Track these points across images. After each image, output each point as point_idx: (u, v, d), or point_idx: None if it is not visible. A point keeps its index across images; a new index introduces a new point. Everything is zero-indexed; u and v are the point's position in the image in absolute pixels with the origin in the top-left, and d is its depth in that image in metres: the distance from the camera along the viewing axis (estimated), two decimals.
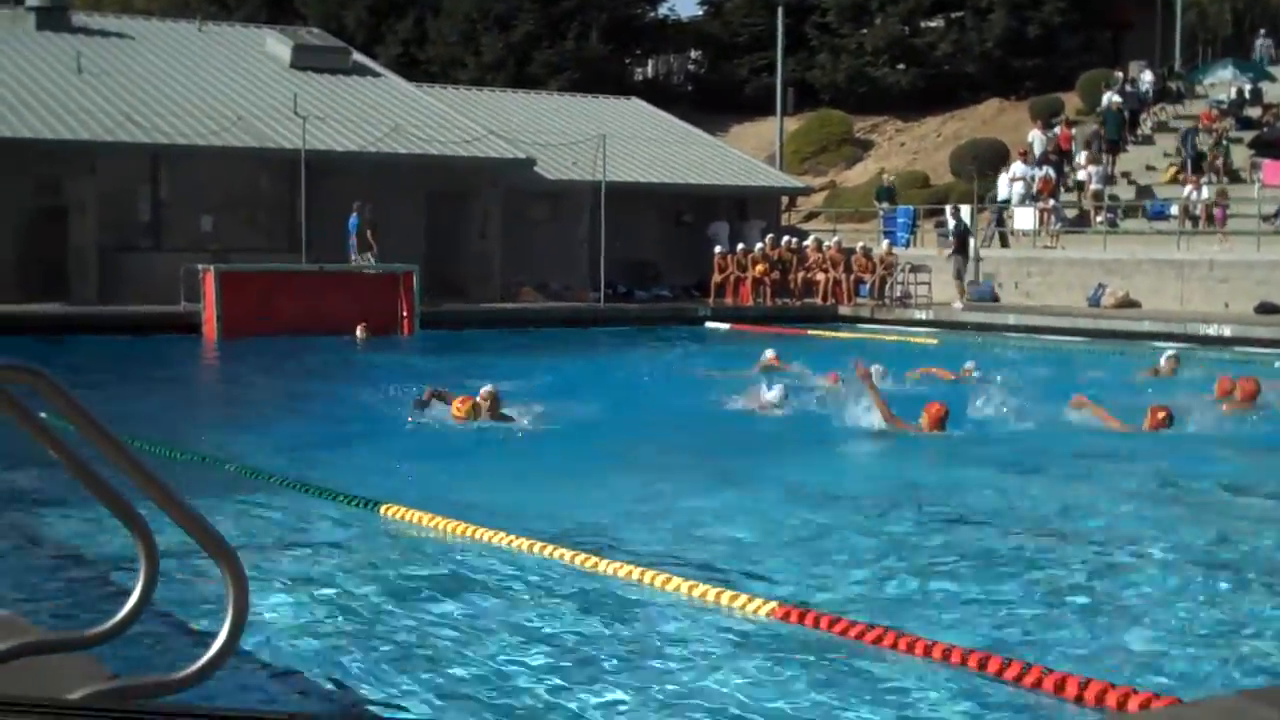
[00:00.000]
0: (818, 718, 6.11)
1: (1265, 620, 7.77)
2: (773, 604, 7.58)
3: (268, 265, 28.95)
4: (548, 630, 7.47)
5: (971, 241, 34.69)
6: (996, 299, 34.98)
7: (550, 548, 9.00)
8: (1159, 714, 5.21)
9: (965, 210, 37.74)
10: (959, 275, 33.70)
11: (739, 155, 42.79)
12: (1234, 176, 37.55)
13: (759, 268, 34.52)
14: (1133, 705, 5.74)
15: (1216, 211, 35.22)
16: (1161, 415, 14.34)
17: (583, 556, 8.73)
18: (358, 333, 26.68)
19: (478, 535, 9.45)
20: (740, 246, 35.31)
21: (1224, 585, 8.58)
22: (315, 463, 12.75)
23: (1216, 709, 4.84)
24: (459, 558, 9.12)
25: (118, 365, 22.41)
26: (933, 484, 12.01)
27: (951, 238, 34.44)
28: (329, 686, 6.58)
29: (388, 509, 10.30)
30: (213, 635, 3.93)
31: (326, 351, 24.16)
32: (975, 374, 19.54)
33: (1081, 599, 8.18)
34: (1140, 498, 11.54)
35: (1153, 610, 7.94)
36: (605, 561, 8.61)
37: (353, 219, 30.88)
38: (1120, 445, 13.92)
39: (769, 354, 21.09)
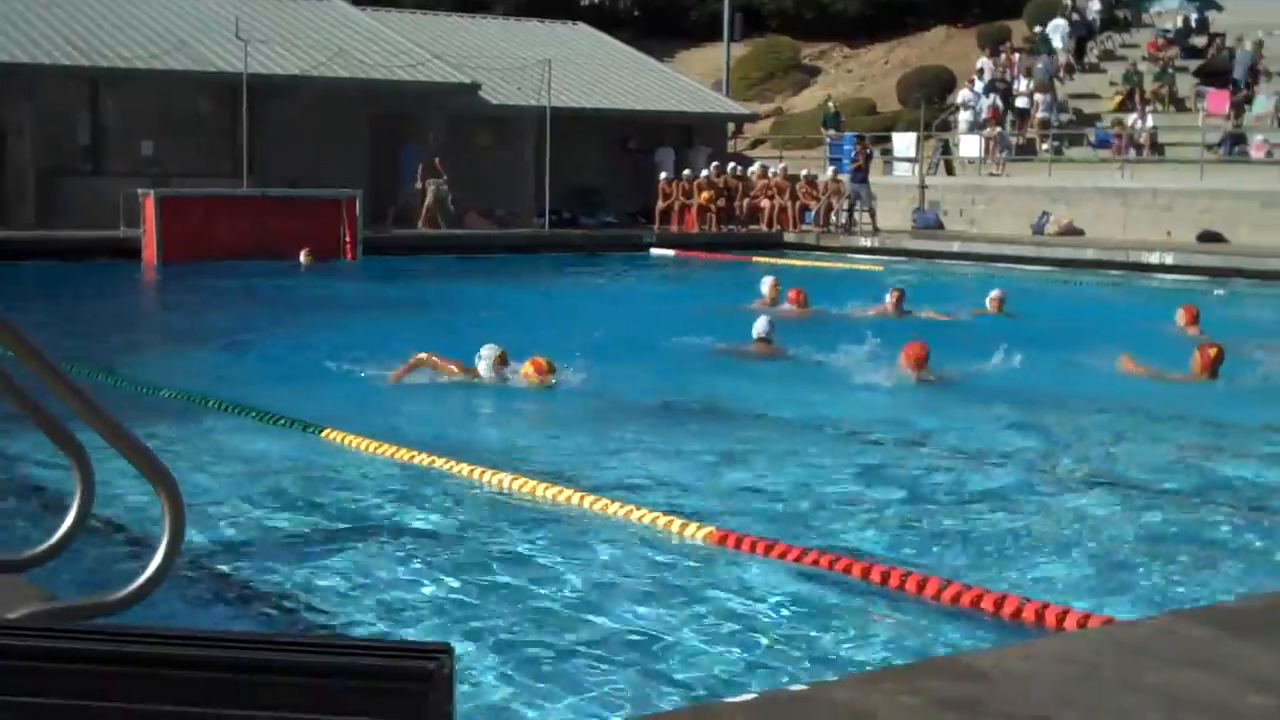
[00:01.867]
0: (779, 641, 6.14)
1: (1194, 543, 7.84)
2: (710, 529, 7.61)
3: (209, 190, 28.65)
4: (496, 552, 7.48)
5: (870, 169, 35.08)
6: (941, 226, 35.05)
7: (499, 475, 8.99)
8: (1095, 632, 5.26)
9: (905, 139, 37.85)
10: (854, 201, 33.93)
11: (685, 81, 42.57)
12: (1179, 105, 37.67)
13: (704, 194, 34.43)
14: (1070, 623, 5.79)
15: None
16: (1213, 353, 13.80)
17: (530, 484, 8.74)
18: (301, 258, 26.51)
19: (422, 461, 9.44)
20: (686, 173, 35.19)
21: (1165, 511, 8.67)
22: (253, 387, 12.67)
23: (1150, 627, 4.90)
24: (404, 483, 9.10)
25: (55, 290, 22.20)
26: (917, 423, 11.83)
27: (850, 165, 34.67)
28: (268, 607, 6.57)
29: (328, 432, 10.27)
30: (150, 557, 3.90)
31: (269, 276, 23.98)
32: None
33: (1021, 525, 8.24)
34: (1085, 429, 11.60)
35: (1089, 535, 8.01)
36: (549, 487, 8.62)
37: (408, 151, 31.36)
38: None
39: (768, 283, 20.15)
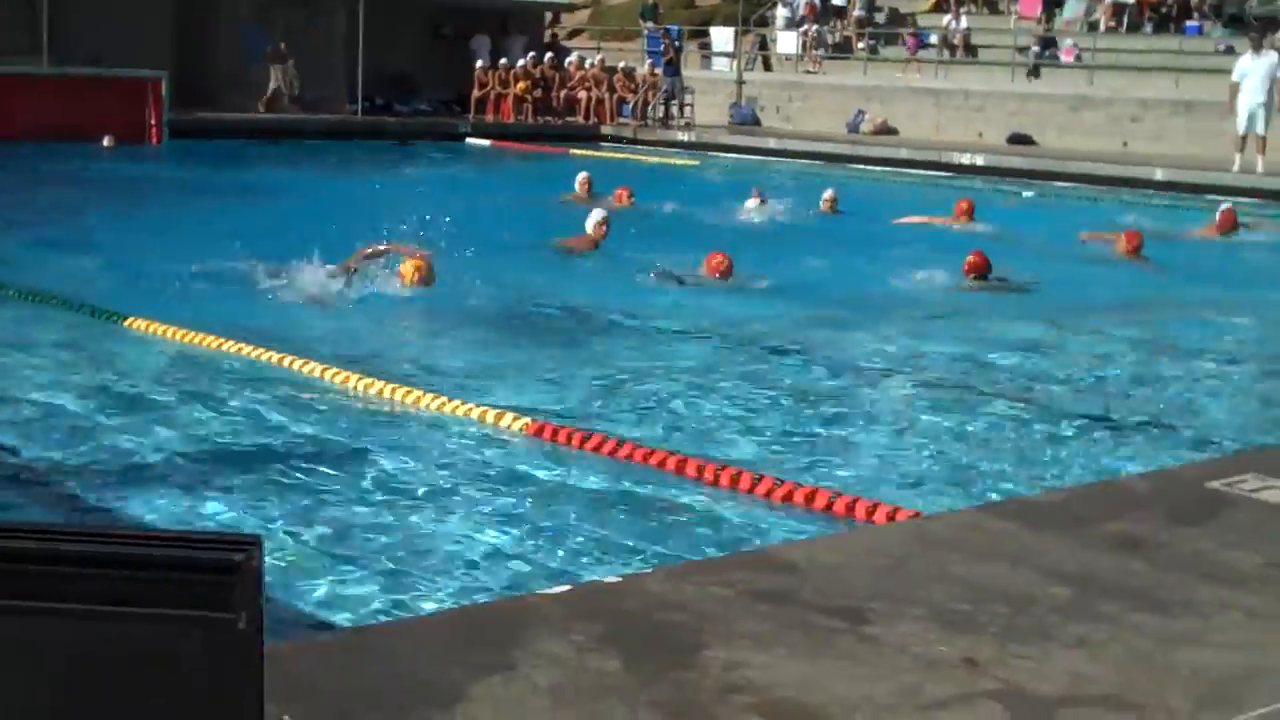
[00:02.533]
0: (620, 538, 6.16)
1: (1000, 440, 8.03)
2: (526, 420, 7.61)
3: (5, 68, 27.61)
4: (295, 440, 7.39)
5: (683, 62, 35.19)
6: (758, 122, 35.19)
7: (295, 359, 8.87)
8: (903, 525, 5.36)
9: (723, 34, 37.91)
10: (668, 96, 34.01)
11: None
12: (992, 7, 38.13)
13: (521, 85, 34.11)
14: (879, 517, 5.90)
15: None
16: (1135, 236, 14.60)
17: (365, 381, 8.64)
18: (105, 141, 25.73)
19: (231, 349, 9.27)
20: (503, 62, 34.81)
21: (965, 408, 8.85)
22: (56, 272, 12.32)
23: (954, 521, 5.01)
24: (215, 375, 8.93)
25: None
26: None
27: (662, 58, 34.71)
28: (72, 503, 6.42)
29: (133, 321, 10.04)
30: None
31: (70, 159, 23.24)
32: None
33: (836, 421, 8.35)
34: (905, 327, 11.76)
35: (902, 431, 8.16)
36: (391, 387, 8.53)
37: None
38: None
39: (580, 179, 19.96)
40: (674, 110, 34.49)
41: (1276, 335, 12.06)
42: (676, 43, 35.30)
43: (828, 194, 19.68)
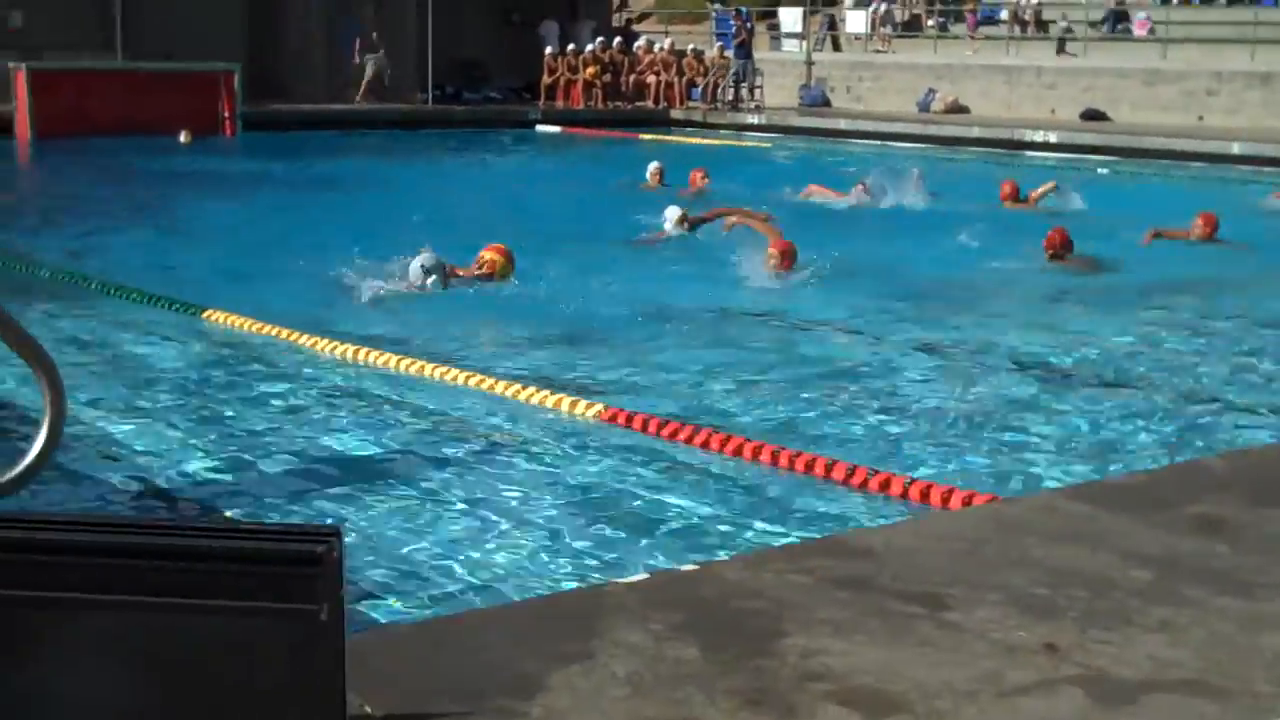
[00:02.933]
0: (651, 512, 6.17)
1: (1077, 423, 7.98)
2: (599, 406, 7.62)
3: (82, 63, 27.92)
4: (373, 432, 7.45)
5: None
6: (828, 103, 35.05)
7: (379, 354, 8.93)
8: (980, 510, 5.34)
9: (792, 14, 37.78)
10: (738, 79, 33.84)
11: None
12: None
13: (590, 70, 34.15)
14: (955, 502, 5.88)
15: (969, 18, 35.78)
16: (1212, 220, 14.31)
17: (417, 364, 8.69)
18: (181, 136, 25.95)
19: (306, 342, 9.34)
20: (571, 48, 34.85)
21: (1043, 393, 8.80)
22: (137, 267, 12.46)
23: (1032, 504, 4.98)
24: (295, 367, 9.00)
25: None
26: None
27: (734, 40, 34.62)
28: (154, 496, 6.49)
29: (210, 314, 10.13)
30: (30, 444, 3.83)
31: (150, 154, 23.47)
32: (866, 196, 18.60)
33: (910, 408, 8.32)
34: (976, 312, 11.69)
35: (976, 416, 8.11)
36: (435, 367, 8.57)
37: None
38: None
39: (652, 168, 19.91)
40: (744, 93, 34.41)
41: None
42: (748, 24, 35.22)
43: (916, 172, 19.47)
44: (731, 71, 34.44)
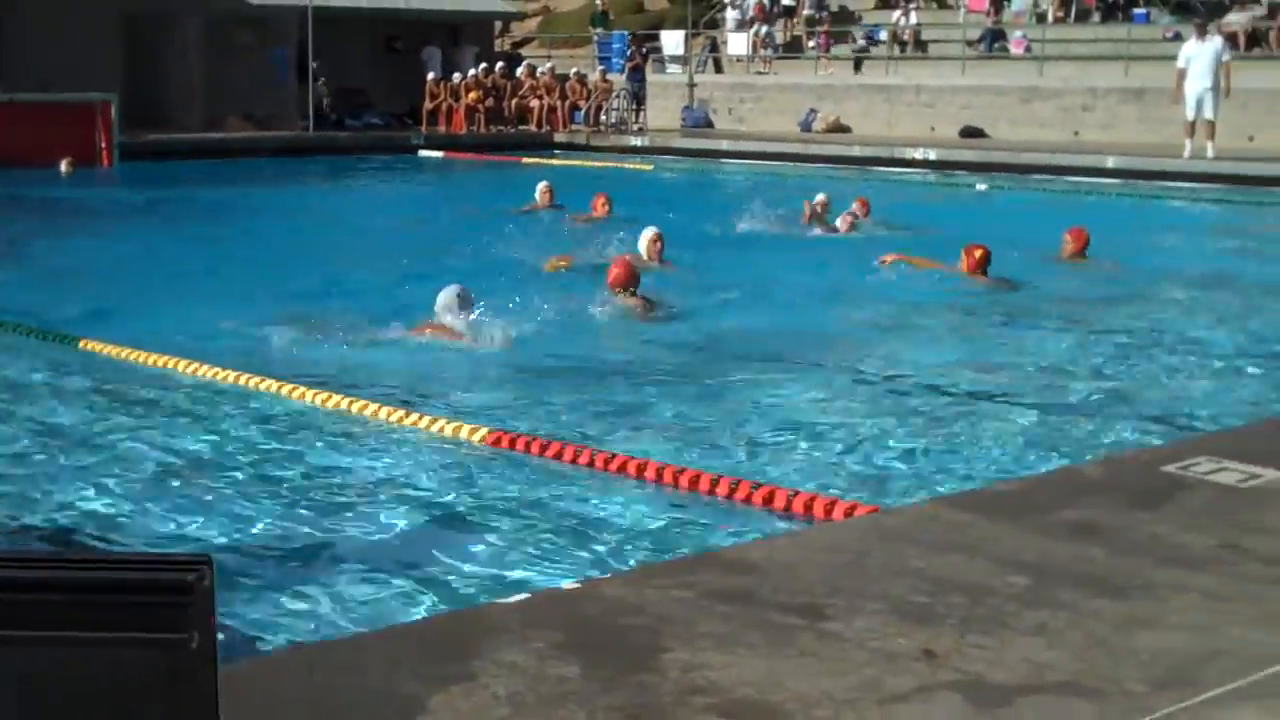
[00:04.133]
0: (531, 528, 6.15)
1: (958, 432, 8.06)
2: (484, 430, 7.59)
3: None
4: (234, 454, 7.37)
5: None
6: (711, 125, 35.24)
7: (243, 375, 8.85)
8: (862, 521, 5.38)
9: (673, 37, 38.00)
10: (636, 101, 33.98)
11: None
12: (940, 2, 38.27)
13: (472, 94, 34.07)
14: (838, 514, 5.91)
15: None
16: (979, 254, 13.88)
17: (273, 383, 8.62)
18: (62, 167, 25.53)
19: (197, 371, 9.23)
20: (454, 75, 34.76)
21: (929, 404, 8.88)
22: (22, 299, 12.27)
23: (912, 514, 5.02)
24: (173, 396, 8.88)
25: None
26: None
27: (626, 64, 34.84)
28: (17, 529, 6.38)
29: (84, 343, 9.99)
30: None
31: (31, 185, 23.07)
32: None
33: (793, 420, 8.37)
34: (862, 321, 11.80)
35: (859, 428, 8.17)
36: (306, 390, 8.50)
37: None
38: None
39: (540, 189, 19.84)
40: (633, 115, 34.47)
41: (1222, 321, 12.10)
42: (643, 49, 35.36)
43: (820, 198, 19.40)
44: (619, 95, 34.51)
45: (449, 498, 6.72)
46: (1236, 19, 30.83)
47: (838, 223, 17.36)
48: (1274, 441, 5.92)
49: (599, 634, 3.74)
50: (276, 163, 28.25)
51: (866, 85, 33.74)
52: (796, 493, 6.31)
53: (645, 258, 13.64)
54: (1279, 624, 3.81)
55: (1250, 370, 9.99)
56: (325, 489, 6.85)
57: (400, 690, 3.36)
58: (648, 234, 13.98)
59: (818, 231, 17.06)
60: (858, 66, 35.74)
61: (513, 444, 7.37)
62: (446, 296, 10.30)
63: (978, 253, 13.47)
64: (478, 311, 10.27)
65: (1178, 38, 29.59)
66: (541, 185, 19.78)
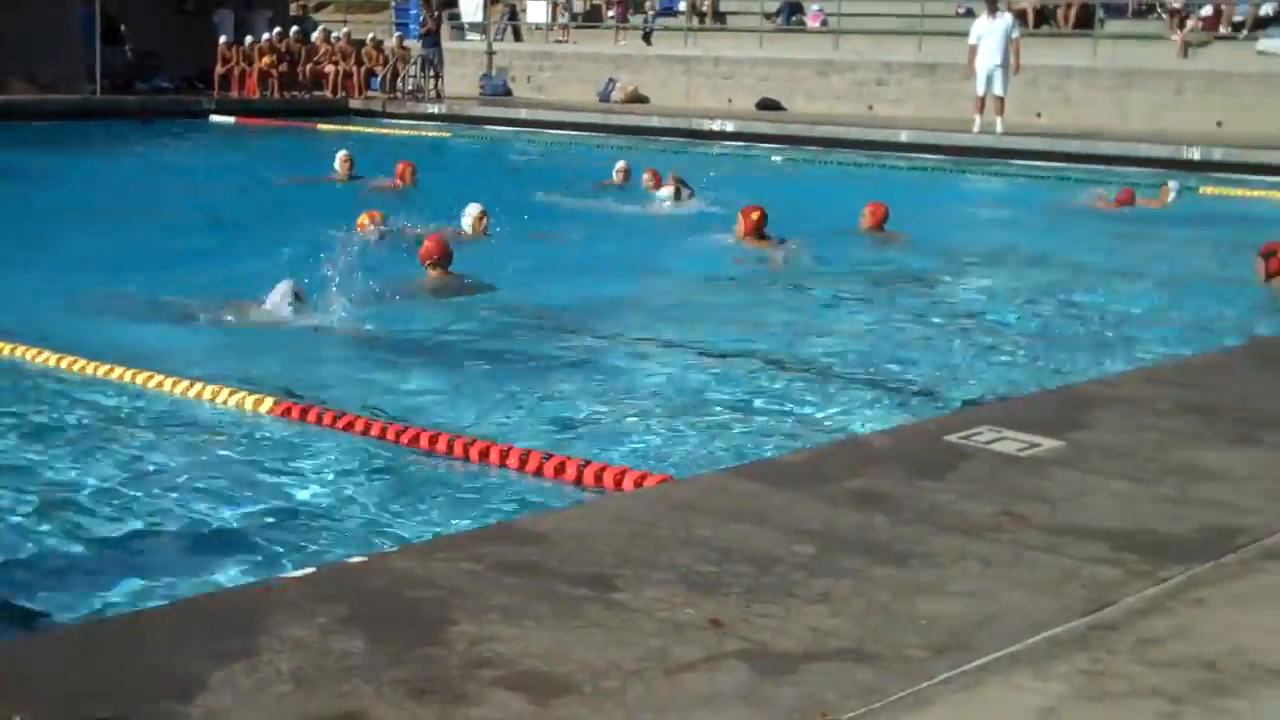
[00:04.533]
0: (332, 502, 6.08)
1: (749, 407, 8.15)
2: (270, 400, 7.48)
3: None
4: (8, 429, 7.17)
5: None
6: (509, 93, 35.10)
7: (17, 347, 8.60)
8: (651, 491, 5.40)
9: (472, 4, 37.76)
10: (433, 68, 33.66)
11: None
12: None
13: (265, 59, 33.47)
14: (628, 484, 5.94)
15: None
16: (755, 216, 13.82)
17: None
18: None
19: None
20: (248, 39, 34.11)
21: (716, 376, 8.97)
22: None
23: (701, 485, 5.06)
24: None
25: None
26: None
27: (420, 29, 34.59)
28: None
29: None
30: None
31: None
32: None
33: (584, 390, 8.38)
34: (642, 295, 11.84)
35: (649, 398, 8.22)
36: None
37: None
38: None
39: (340, 158, 19.41)
40: (428, 82, 34.18)
41: (1007, 294, 12.41)
42: (436, 13, 35.00)
43: (621, 165, 19.48)
44: (415, 62, 34.17)
45: (236, 470, 6.61)
46: None
47: (664, 192, 17.39)
48: (1052, 411, 6.08)
49: (386, 607, 3.70)
50: (62, 128, 27.41)
51: (665, 56, 33.88)
52: (587, 463, 6.32)
53: (470, 233, 13.59)
54: (1053, 589, 3.92)
55: (1031, 342, 10.26)
56: (105, 463, 6.69)
57: (181, 667, 3.30)
58: (472, 211, 13.87)
59: (666, 204, 17.06)
60: (647, 39, 35.98)
61: (303, 415, 7.27)
62: (281, 292, 10.05)
63: (754, 215, 13.63)
64: (302, 306, 10.05)
65: (969, 14, 30.20)
66: (341, 154, 19.49)
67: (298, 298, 9.96)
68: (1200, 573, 4.09)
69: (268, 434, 7.16)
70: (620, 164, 19.47)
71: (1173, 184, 19.10)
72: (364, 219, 13.62)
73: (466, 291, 11.37)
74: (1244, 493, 4.82)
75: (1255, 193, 20.25)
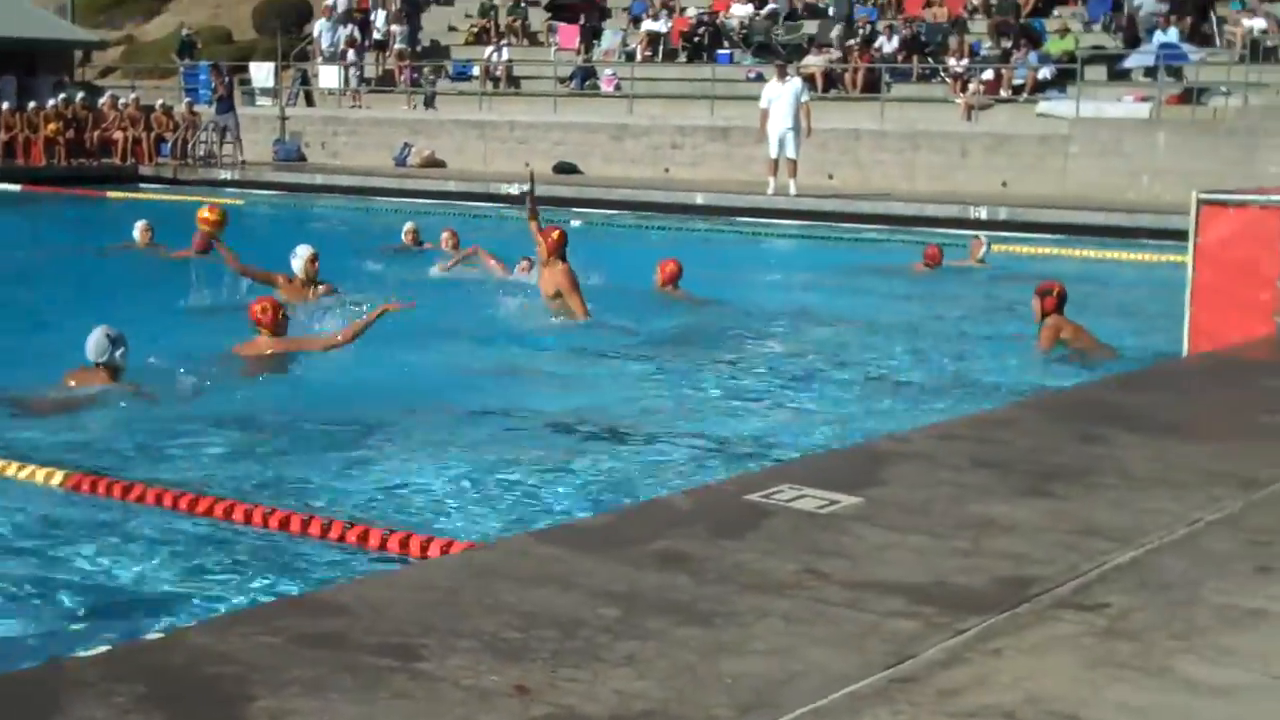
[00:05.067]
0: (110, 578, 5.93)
1: (549, 470, 8.15)
2: (60, 474, 7.28)
3: None
4: None
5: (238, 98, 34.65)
6: (303, 158, 34.80)
7: None
8: (454, 558, 5.36)
9: (263, 69, 37.38)
10: (223, 132, 33.24)
11: (25, 5, 40.27)
12: (532, 39, 38.73)
13: (51, 126, 32.76)
14: (434, 551, 5.89)
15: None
16: (671, 268, 14.16)
17: None
18: None
19: None
20: (31, 104, 33.36)
21: (517, 440, 8.95)
22: None
23: (505, 549, 5.04)
24: None
25: None
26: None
27: (213, 95, 34.16)
28: None
29: None
30: None
31: None
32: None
33: (385, 457, 8.31)
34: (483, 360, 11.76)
35: (453, 464, 8.17)
36: None
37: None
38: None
39: (139, 227, 18.69)
40: (229, 148, 33.68)
41: (802, 352, 12.59)
42: (227, 78, 34.55)
43: (408, 226, 19.43)
44: (207, 127, 33.70)
45: (26, 546, 6.42)
46: (814, 61, 32.19)
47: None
48: (850, 468, 6.17)
49: (184, 685, 3.61)
50: None
51: (460, 121, 33.88)
52: (392, 531, 6.26)
53: (302, 276, 13.34)
54: (855, 644, 3.96)
55: (828, 399, 10.43)
56: None
57: None
58: (303, 253, 13.55)
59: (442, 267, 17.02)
60: (429, 103, 36.00)
61: (93, 488, 7.09)
62: (96, 339, 9.77)
63: (670, 266, 14.22)
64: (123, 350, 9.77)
65: (760, 78, 30.75)
66: (140, 224, 18.84)
67: (114, 342, 9.72)
68: (996, 623, 4.17)
69: (60, 508, 6.97)
70: (409, 225, 19.44)
71: (983, 235, 19.50)
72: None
73: (277, 359, 11.12)
74: (1036, 544, 4.93)
75: (1042, 250, 20.85)
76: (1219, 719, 3.57)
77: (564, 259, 13.52)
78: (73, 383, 9.70)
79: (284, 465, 7.99)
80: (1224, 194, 10.48)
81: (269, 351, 10.81)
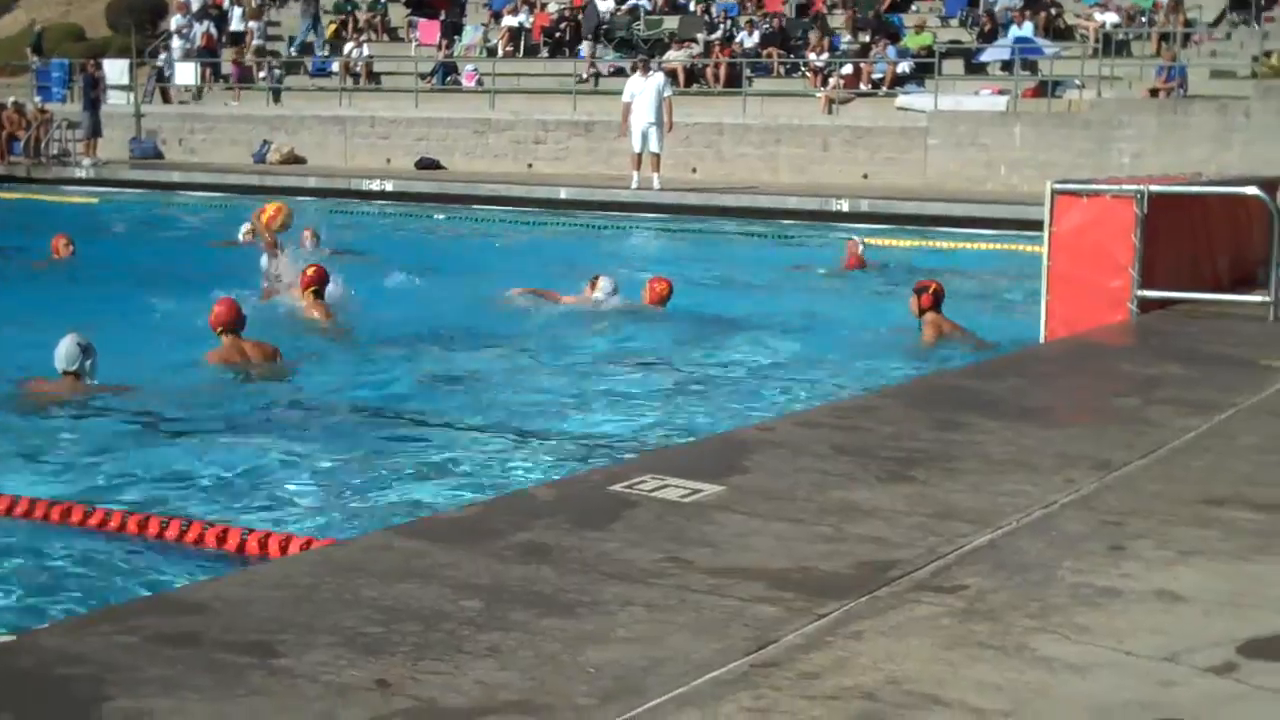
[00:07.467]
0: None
1: (409, 464, 8.11)
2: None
3: None
4: None
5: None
6: (160, 155, 34.26)
7: None
8: (313, 554, 5.31)
9: (116, 65, 36.73)
10: (90, 133, 32.62)
11: None
12: (393, 35, 38.44)
13: None
14: (294, 549, 5.82)
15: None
16: (661, 288, 13.98)
17: None
18: None
19: None
20: None
21: (372, 435, 8.89)
22: None
23: (365, 544, 4.99)
24: None
25: None
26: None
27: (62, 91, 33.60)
28: None
29: None
30: None
31: None
32: None
33: (258, 458, 8.21)
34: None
35: (310, 461, 8.10)
36: None
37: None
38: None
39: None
40: (85, 146, 33.00)
41: (666, 345, 12.61)
42: (95, 76, 33.72)
43: (245, 226, 19.07)
44: (60, 125, 33.05)
45: None
46: (676, 56, 32.28)
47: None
48: (713, 458, 6.19)
49: (36, 688, 3.54)
50: None
51: (321, 117, 33.56)
52: (251, 530, 6.19)
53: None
54: (717, 631, 3.98)
55: (690, 390, 10.46)
56: None
57: None
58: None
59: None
60: (276, 97, 35.68)
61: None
62: (67, 347, 9.51)
63: (659, 286, 14.07)
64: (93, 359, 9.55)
65: (621, 73, 30.77)
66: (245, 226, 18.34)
67: (84, 351, 9.49)
68: (856, 607, 4.21)
69: None
70: (245, 225, 19.02)
71: (856, 236, 19.50)
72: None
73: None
74: (896, 527, 4.99)
75: (906, 242, 21.06)
76: (1075, 695, 3.63)
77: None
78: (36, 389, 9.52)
79: (143, 468, 7.87)
80: (1078, 184, 10.68)
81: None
